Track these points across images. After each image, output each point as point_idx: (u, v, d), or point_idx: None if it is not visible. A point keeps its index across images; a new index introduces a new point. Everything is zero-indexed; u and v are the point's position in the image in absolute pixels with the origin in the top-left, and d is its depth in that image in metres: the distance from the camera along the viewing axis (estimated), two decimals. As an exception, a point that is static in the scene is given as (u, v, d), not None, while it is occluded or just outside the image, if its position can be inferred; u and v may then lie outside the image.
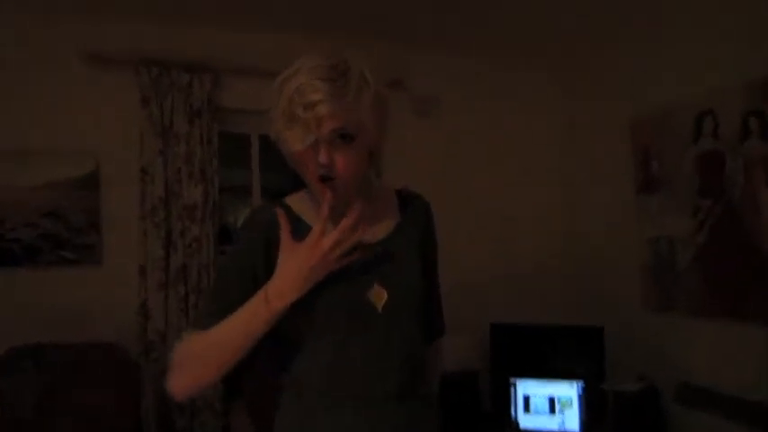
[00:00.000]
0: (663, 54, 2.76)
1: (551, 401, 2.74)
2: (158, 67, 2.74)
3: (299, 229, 1.08)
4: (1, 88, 2.58)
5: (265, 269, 1.08)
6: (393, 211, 1.23)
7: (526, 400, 2.78)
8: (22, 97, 2.61)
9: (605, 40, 3.12)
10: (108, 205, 2.73)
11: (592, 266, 3.28)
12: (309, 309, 1.07)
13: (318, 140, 1.01)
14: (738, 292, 2.38)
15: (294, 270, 1.01)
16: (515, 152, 3.48)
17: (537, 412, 2.75)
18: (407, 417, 1.11)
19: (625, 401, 2.62)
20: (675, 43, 2.69)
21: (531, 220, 3.46)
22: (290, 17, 2.80)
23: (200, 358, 1.08)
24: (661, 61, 2.78)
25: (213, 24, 2.82)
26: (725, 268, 2.45)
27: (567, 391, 2.72)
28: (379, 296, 1.11)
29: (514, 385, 2.80)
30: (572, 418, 2.70)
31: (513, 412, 2.79)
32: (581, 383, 2.70)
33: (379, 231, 1.17)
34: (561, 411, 2.72)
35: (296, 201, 1.19)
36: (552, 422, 2.73)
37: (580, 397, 2.69)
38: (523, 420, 2.77)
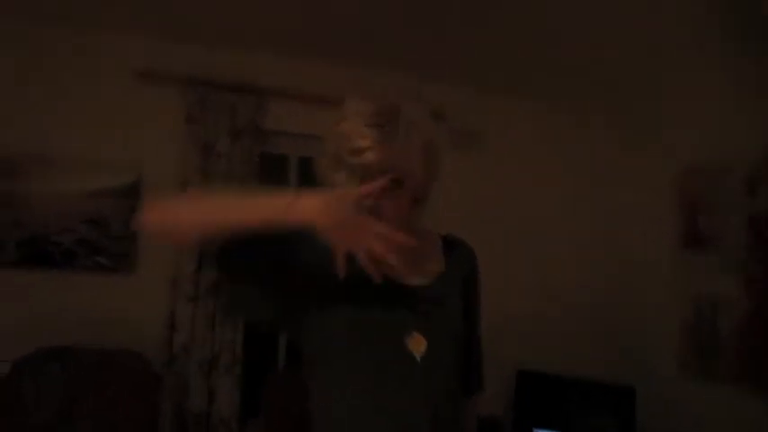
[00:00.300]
0: (718, 108, 2.63)
1: (573, 459, 2.62)
2: (205, 87, 2.81)
3: None
4: (54, 98, 2.69)
5: (306, 252, 1.05)
6: (438, 255, 1.19)
7: (547, 453, 2.66)
8: (73, 108, 2.71)
9: (662, 92, 3.00)
10: (146, 216, 2.79)
11: (628, 319, 3.13)
12: (347, 347, 1.04)
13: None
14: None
15: (333, 206, 0.93)
16: (557, 197, 3.38)
17: (558, 468, 2.64)
18: None
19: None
20: (732, 97, 2.55)
21: (570, 267, 3.33)
22: (334, 45, 2.83)
23: (192, 204, 1.07)
24: (713, 117, 2.64)
25: (259, 49, 2.87)
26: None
27: (591, 450, 2.59)
28: (418, 344, 1.06)
29: (536, 437, 2.69)
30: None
31: (532, 465, 2.68)
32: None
33: (423, 274, 1.13)
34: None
35: None
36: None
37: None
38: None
